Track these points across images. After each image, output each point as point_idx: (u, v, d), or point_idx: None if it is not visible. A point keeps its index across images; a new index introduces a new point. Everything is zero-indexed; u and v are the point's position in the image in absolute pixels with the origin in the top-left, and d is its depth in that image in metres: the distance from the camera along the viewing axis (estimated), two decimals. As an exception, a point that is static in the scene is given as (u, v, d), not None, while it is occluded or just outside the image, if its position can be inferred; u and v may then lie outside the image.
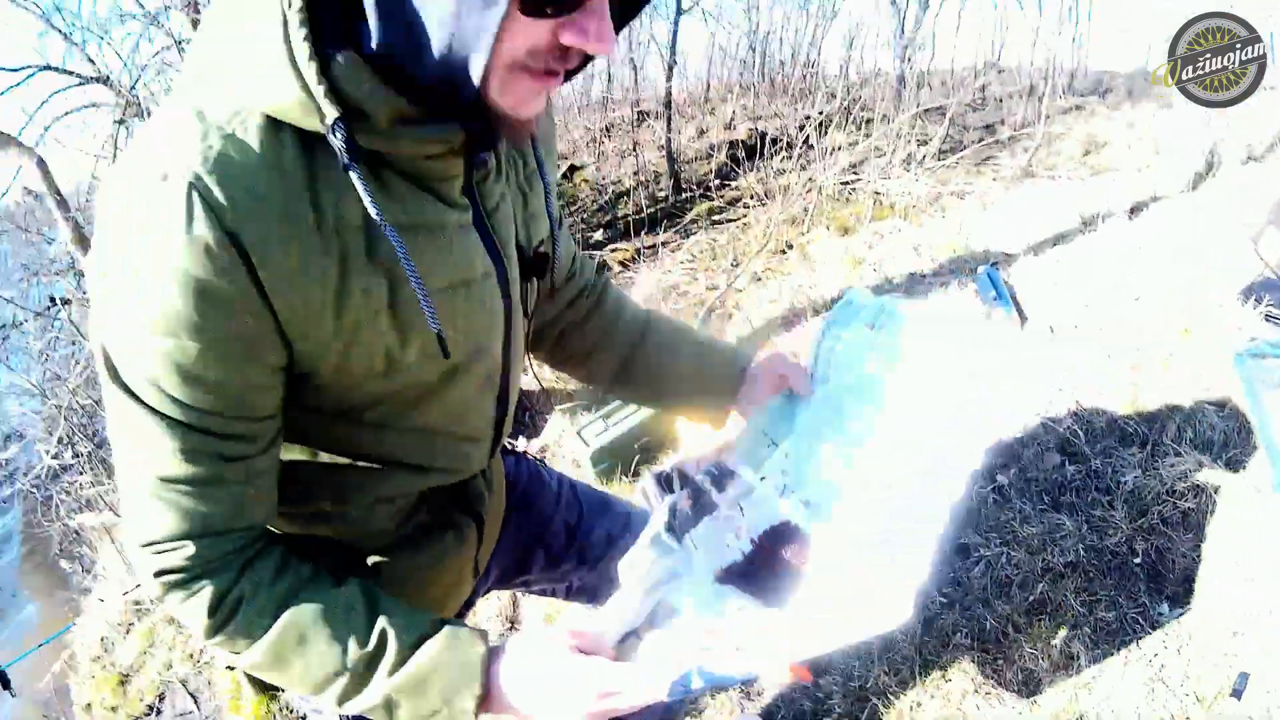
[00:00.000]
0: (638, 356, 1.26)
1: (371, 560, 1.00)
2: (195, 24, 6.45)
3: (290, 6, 0.66)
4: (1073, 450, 2.46)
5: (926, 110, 6.67)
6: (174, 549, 0.75)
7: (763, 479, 1.11)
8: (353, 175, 0.70)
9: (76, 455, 5.48)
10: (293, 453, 0.89)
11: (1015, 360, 1.07)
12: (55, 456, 5.39)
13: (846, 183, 6.04)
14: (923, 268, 4.41)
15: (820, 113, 6.54)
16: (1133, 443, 2.45)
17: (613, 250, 6.93)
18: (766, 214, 5.72)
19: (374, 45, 0.70)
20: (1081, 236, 4.13)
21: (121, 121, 6.09)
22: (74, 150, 6.91)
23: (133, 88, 5.97)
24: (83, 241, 5.47)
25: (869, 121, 6.92)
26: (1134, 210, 4.31)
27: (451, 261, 0.83)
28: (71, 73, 6.56)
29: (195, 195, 0.64)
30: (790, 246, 5.44)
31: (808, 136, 6.39)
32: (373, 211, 0.72)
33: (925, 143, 6.46)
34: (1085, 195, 4.91)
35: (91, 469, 5.31)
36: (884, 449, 1.07)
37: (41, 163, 5.35)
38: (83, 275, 5.96)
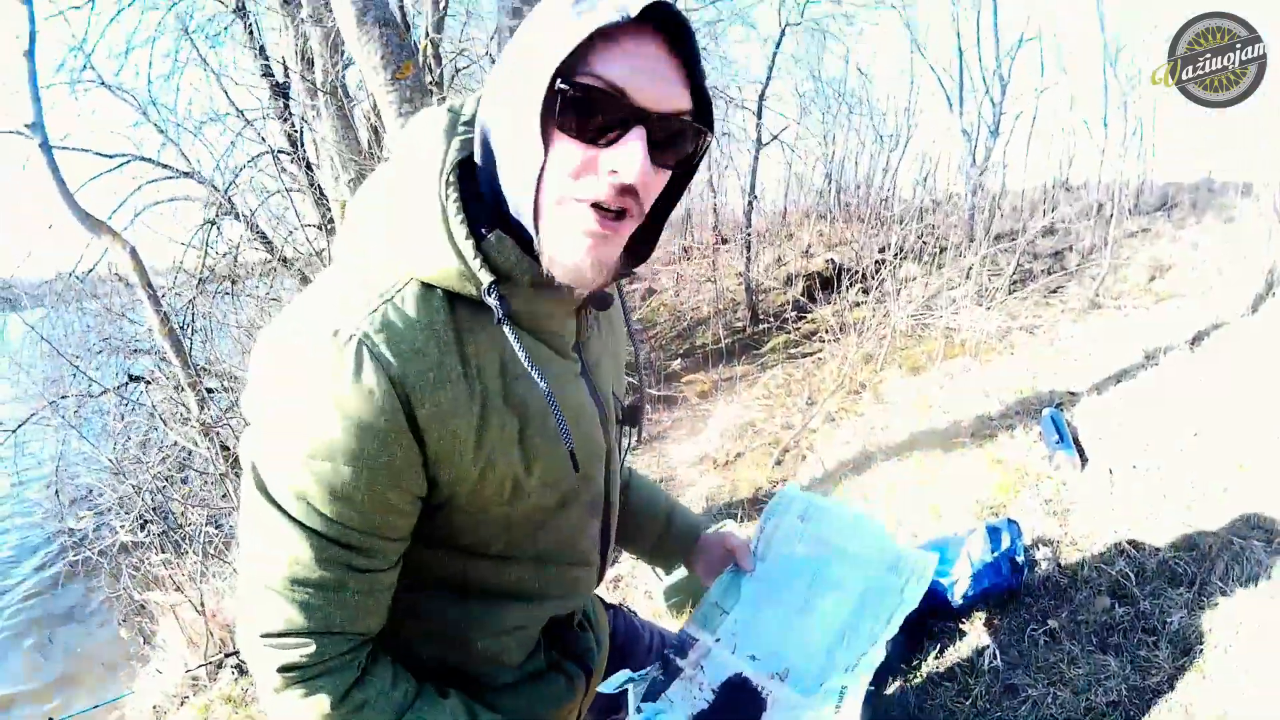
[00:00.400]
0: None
1: (492, 698, 1.10)
2: (290, 139, 7.06)
3: (448, 199, 0.86)
4: (1123, 592, 2.62)
5: (999, 237, 6.93)
6: (296, 645, 0.87)
7: (717, 640, 1.38)
8: (505, 329, 0.87)
9: (148, 533, 5.66)
10: (422, 590, 1.03)
11: (892, 561, 1.40)
12: (130, 532, 5.63)
13: (917, 316, 6.29)
14: (990, 410, 4.59)
15: (895, 249, 6.83)
16: (1181, 582, 2.60)
17: (689, 382, 7.20)
18: (841, 350, 5.98)
19: (488, 204, 0.90)
20: (1144, 371, 4.30)
21: (214, 222, 6.51)
22: (161, 235, 7.23)
23: (226, 190, 6.36)
24: (170, 332, 5.69)
25: (942, 250, 7.19)
26: (1196, 339, 4.47)
27: (568, 400, 0.99)
28: (165, 166, 7.00)
29: (364, 350, 0.79)
30: (864, 386, 5.68)
31: (881, 271, 6.65)
32: (521, 357, 0.87)
33: (997, 274, 6.69)
34: (1149, 326, 5.11)
35: (162, 549, 5.52)
36: (811, 614, 1.37)
37: (134, 253, 5.58)
38: (164, 359, 6.20)
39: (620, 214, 0.84)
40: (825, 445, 5.08)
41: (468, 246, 0.84)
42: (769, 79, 8.33)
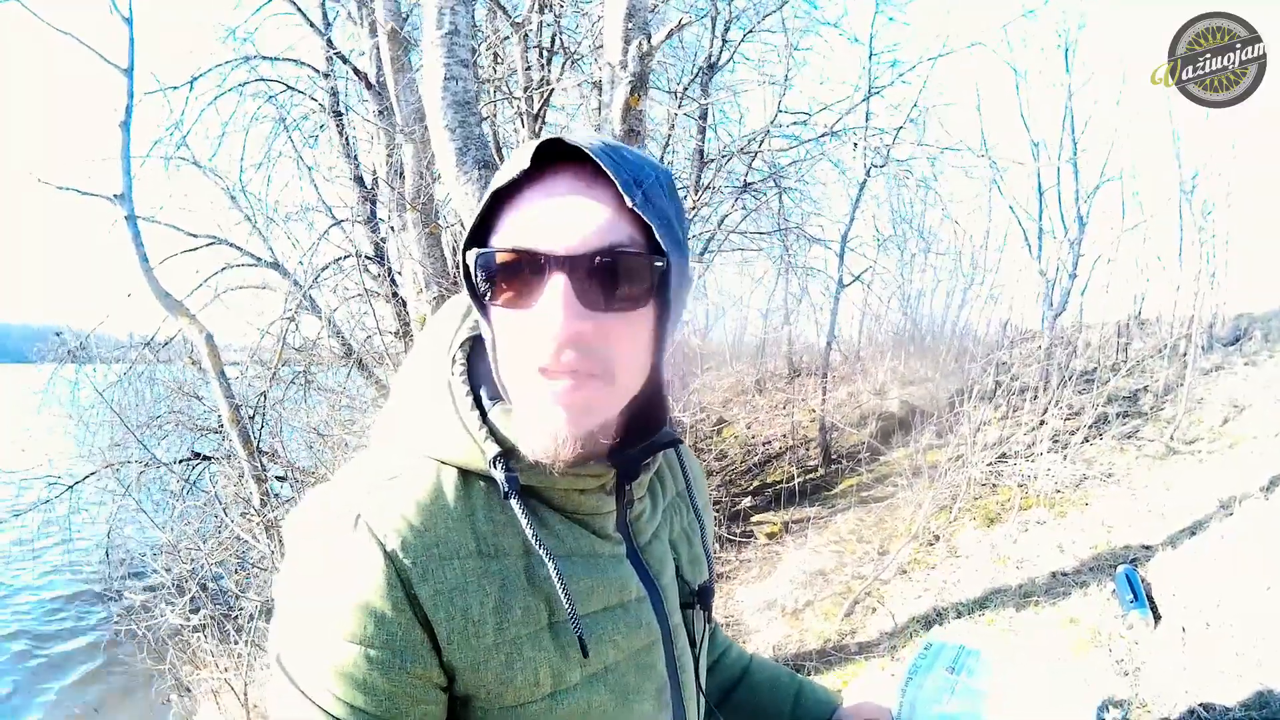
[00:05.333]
0: (739, 690, 1.42)
1: None
2: (375, 245, 7.38)
3: (454, 375, 0.90)
4: (1192, 757, 2.78)
5: (1076, 376, 7.16)
6: None
7: None
8: (512, 503, 0.85)
9: (201, 617, 5.97)
10: None
11: (1064, 698, 1.31)
12: (182, 615, 5.89)
13: (992, 464, 6.44)
14: (1065, 566, 4.74)
15: (970, 392, 7.01)
16: None
17: (759, 522, 7.36)
18: (915, 497, 6.09)
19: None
20: (1218, 522, 4.45)
21: (292, 318, 6.70)
22: (238, 318, 7.87)
23: (308, 287, 6.60)
24: (239, 423, 5.96)
25: (1021, 392, 7.40)
26: (1270, 485, 4.61)
27: (606, 586, 0.94)
28: (249, 254, 7.40)
29: (362, 527, 0.80)
30: (938, 538, 5.79)
31: (956, 414, 6.83)
32: (529, 534, 0.85)
33: (1074, 414, 6.88)
34: (1223, 472, 5.22)
35: (212, 633, 5.79)
36: None
37: (210, 340, 5.87)
38: (229, 442, 6.45)
39: (574, 373, 0.82)
40: (896, 598, 5.21)
41: (472, 419, 0.87)
42: (852, 221, 8.73)
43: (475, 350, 0.96)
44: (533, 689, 0.86)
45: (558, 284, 0.79)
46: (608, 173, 0.80)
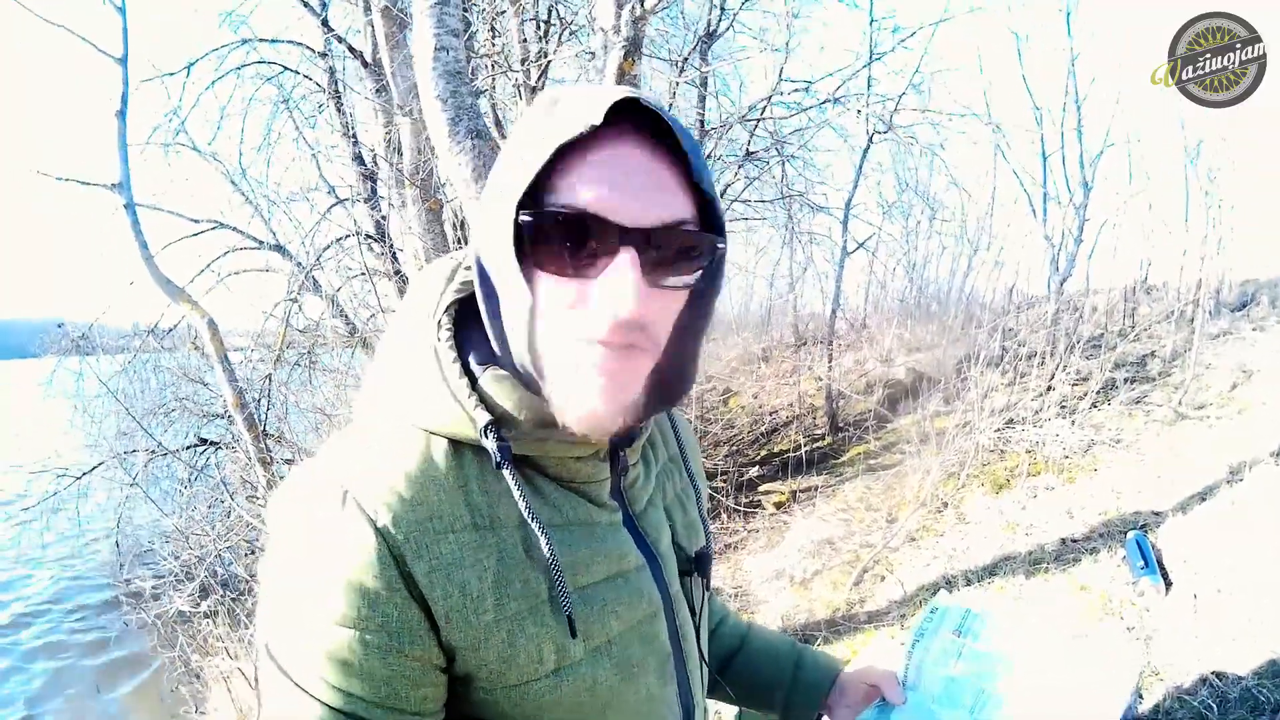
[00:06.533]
0: (737, 659, 1.38)
1: None
2: (376, 225, 7.14)
3: (440, 341, 0.85)
4: (1205, 723, 2.76)
5: (1081, 343, 7.15)
6: None
7: None
8: (505, 472, 0.81)
9: (210, 603, 5.97)
10: None
11: (1097, 665, 1.23)
12: (190, 601, 5.92)
13: (1000, 430, 6.42)
14: (1074, 532, 4.72)
15: (977, 358, 7.02)
16: (1264, 710, 2.76)
17: (767, 491, 7.35)
18: (923, 464, 6.06)
19: (496, 353, 0.88)
20: (1228, 487, 4.42)
21: (295, 299, 6.72)
22: (242, 302, 7.72)
23: (310, 268, 6.58)
24: (243, 407, 5.92)
25: (1029, 358, 7.36)
26: None
27: (606, 555, 0.91)
28: (251, 237, 7.35)
29: (351, 502, 0.75)
30: (946, 505, 5.78)
31: (964, 380, 6.80)
32: (522, 506, 0.81)
33: (1082, 379, 6.85)
34: (1232, 438, 5.20)
35: (221, 618, 5.79)
36: None
37: (212, 324, 5.82)
38: (235, 425, 6.41)
39: (629, 347, 0.78)
40: (905, 566, 5.20)
41: (461, 386, 0.83)
42: (855, 187, 8.66)
43: (462, 314, 0.91)
44: (536, 666, 0.82)
45: (626, 259, 0.74)
46: (674, 143, 0.77)
